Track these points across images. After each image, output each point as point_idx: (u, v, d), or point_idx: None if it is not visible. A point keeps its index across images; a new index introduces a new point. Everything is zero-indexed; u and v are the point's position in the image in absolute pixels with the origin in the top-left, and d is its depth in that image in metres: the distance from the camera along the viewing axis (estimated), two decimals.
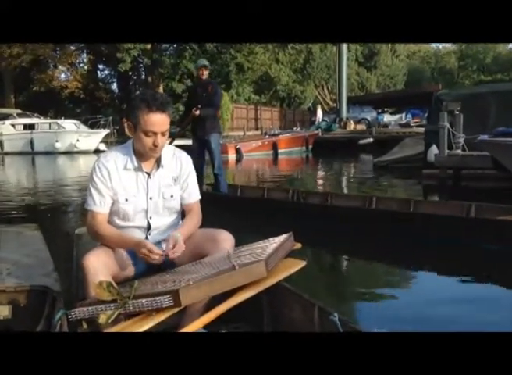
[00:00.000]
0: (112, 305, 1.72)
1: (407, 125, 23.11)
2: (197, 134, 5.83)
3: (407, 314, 2.58)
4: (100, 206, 2.04)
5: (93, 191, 2.04)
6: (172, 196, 2.14)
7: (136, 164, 2.06)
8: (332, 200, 5.12)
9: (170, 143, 7.04)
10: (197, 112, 5.56)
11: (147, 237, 2.10)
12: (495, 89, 9.28)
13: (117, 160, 2.06)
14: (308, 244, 4.10)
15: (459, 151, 7.75)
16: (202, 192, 6.39)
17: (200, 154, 5.84)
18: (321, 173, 12.28)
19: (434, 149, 8.20)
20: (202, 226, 2.21)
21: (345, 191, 8.23)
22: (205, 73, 5.70)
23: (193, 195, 2.23)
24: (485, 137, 6.22)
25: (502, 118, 7.71)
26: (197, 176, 5.82)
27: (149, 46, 29.70)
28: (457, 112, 7.92)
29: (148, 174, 2.09)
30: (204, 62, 5.91)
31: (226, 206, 5.48)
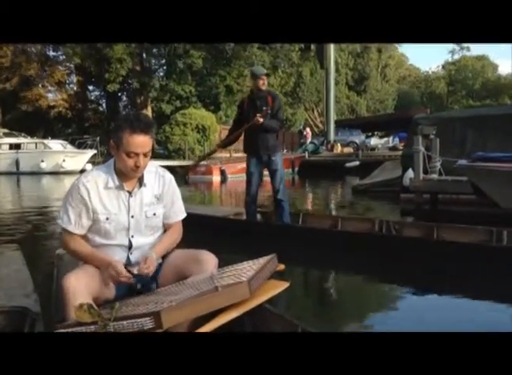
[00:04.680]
0: (92, 327, 1.69)
1: (394, 148, 23.39)
2: (258, 152, 4.97)
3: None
4: (75, 226, 2.05)
5: (70, 209, 2.05)
6: (154, 214, 2.14)
7: (117, 183, 2.07)
8: (440, 233, 4.26)
9: (199, 161, 6.56)
10: (261, 120, 4.74)
11: (128, 256, 2.10)
12: (472, 114, 9.29)
13: (98, 179, 2.06)
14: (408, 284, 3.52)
15: (434, 176, 7.50)
16: (255, 223, 5.26)
17: (258, 175, 5.09)
18: (298, 195, 12.22)
19: (410, 173, 7.97)
20: None
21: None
22: (265, 83, 4.94)
23: (179, 215, 2.25)
24: (463, 161, 6.06)
25: (478, 142, 7.66)
26: (252, 200, 5.18)
27: (138, 67, 29.77)
28: (433, 136, 7.73)
29: (130, 193, 2.09)
30: (264, 70, 5.02)
31: (287, 239, 4.50)
